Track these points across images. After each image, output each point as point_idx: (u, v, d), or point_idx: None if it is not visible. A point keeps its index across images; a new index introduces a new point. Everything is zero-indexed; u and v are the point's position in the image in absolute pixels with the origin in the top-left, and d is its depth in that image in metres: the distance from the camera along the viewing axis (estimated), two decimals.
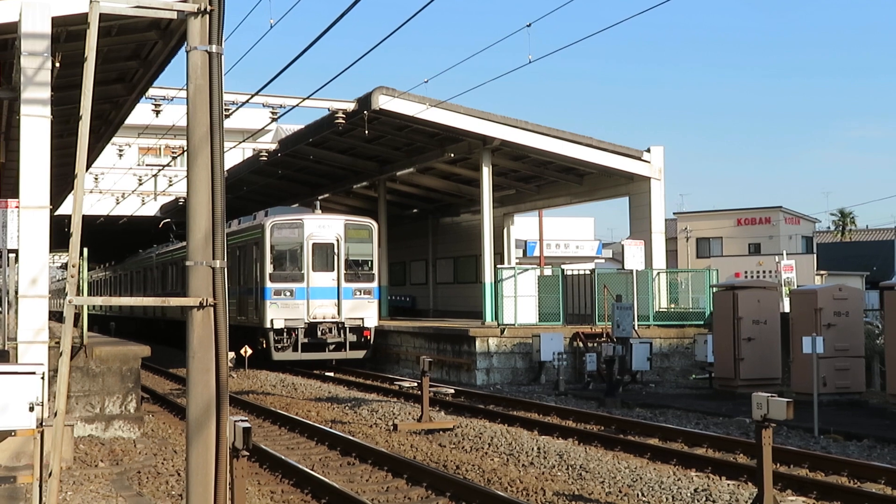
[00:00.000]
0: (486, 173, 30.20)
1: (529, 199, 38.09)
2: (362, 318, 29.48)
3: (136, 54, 19.69)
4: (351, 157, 36.02)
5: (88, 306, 24.63)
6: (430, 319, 37.61)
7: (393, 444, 15.64)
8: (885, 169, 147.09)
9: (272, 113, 26.88)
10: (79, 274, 6.78)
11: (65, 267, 70.07)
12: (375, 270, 30.56)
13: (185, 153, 6.97)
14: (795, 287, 27.92)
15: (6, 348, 14.37)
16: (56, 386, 6.75)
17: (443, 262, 43.92)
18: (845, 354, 19.60)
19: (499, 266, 29.93)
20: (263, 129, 36.96)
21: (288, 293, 28.95)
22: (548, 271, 31.34)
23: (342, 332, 29.20)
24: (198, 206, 6.77)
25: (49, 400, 10.22)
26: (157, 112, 25.25)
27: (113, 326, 38.92)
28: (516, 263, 38.35)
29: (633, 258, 27.60)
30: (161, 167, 41.90)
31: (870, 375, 21.92)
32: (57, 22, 14.53)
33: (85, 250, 16.76)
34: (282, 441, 16.47)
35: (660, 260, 29.84)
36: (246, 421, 7.80)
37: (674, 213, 57.85)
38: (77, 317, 17.11)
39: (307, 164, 37.35)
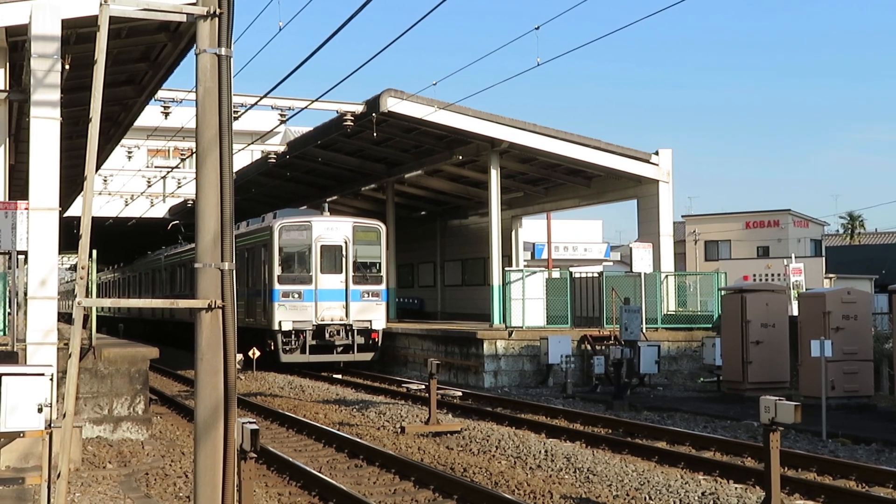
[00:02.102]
0: (495, 176, 30.19)
1: (537, 202, 38.07)
2: (370, 321, 29.49)
3: (145, 56, 19.73)
4: (359, 159, 36.05)
5: (97, 308, 24.68)
6: (438, 322, 37.62)
7: (400, 447, 15.64)
8: (895, 172, 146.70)
9: (281, 115, 26.93)
10: (88, 275, 6.79)
11: (74, 268, 70.24)
12: (383, 273, 30.55)
13: (194, 155, 6.98)
14: (804, 290, 27.86)
15: (15, 350, 14.41)
16: (65, 387, 6.77)
17: (451, 265, 43.91)
18: (854, 358, 19.54)
19: (507, 268, 29.90)
20: (272, 131, 36.96)
21: (296, 295, 28.96)
22: (556, 274, 31.32)
23: (350, 334, 29.20)
24: (207, 208, 6.78)
25: (58, 401, 10.25)
26: (167, 114, 25.31)
27: (121, 328, 39.02)
28: (524, 266, 38.31)
29: (642, 261, 27.57)
30: (170, 169, 41.98)
31: (878, 379, 21.86)
32: (67, 24, 14.57)
33: (94, 252, 16.81)
34: (289, 443, 16.49)
35: (668, 263, 29.82)
36: (254, 423, 7.82)
37: (682, 216, 57.82)
38: (86, 318, 17.14)
39: (315, 166, 37.39)
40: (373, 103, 27.71)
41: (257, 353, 28.27)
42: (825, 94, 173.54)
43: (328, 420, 18.95)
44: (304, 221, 29.87)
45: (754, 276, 40.13)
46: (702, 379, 24.80)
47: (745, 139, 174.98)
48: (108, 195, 45.22)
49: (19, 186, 22.35)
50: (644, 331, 25.06)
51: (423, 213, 44.39)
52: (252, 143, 36.12)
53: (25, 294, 15.01)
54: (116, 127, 25.75)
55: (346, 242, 29.57)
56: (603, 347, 24.89)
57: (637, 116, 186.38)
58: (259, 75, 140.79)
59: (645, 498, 11.61)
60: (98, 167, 33.72)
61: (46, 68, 13.94)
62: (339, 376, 28.54)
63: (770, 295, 22.12)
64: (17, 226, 14.98)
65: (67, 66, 15.65)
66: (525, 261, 43.03)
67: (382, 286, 30.23)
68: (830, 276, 45.51)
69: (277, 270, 29.08)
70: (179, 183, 43.55)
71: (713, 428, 17.52)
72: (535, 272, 28.97)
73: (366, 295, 29.60)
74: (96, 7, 6.85)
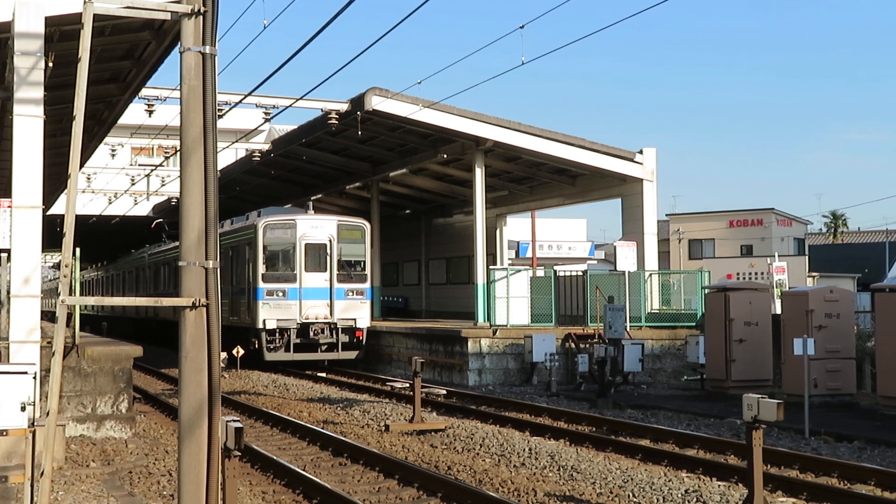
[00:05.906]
0: (479, 174, 30.22)
1: (522, 201, 38.13)
2: (355, 319, 29.48)
3: (129, 54, 19.68)
4: (344, 157, 36.02)
5: (81, 306, 24.62)
6: (422, 320, 37.62)
7: (385, 445, 15.66)
8: (878, 171, 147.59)
9: (265, 113, 26.92)
10: (71, 274, 6.79)
11: (57, 267, 69.93)
12: (368, 271, 30.55)
13: (178, 153, 6.98)
14: (787, 289, 27.98)
15: None
16: (48, 386, 6.75)
17: (435, 263, 43.94)
18: (836, 356, 19.65)
19: (491, 267, 29.94)
20: (256, 129, 37.00)
21: (280, 293, 28.93)
22: (540, 272, 31.36)
23: (334, 332, 29.18)
24: (191, 207, 6.78)
25: (41, 400, 10.21)
26: (151, 112, 25.27)
27: (105, 326, 38.91)
28: (509, 264, 38.37)
29: (626, 259, 27.64)
30: (154, 167, 41.90)
31: (861, 377, 21.98)
32: (50, 21, 14.52)
33: (77, 250, 16.77)
34: (274, 441, 16.48)
35: (652, 261, 29.89)
36: (238, 421, 7.81)
37: (666, 215, 57.97)
38: (69, 316, 17.08)
39: (300, 164, 37.34)
40: (357, 102, 27.69)
41: (241, 352, 28.24)
42: (810, 94, 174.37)
43: (312, 418, 18.95)
44: (289, 220, 29.85)
45: (738, 274, 40.28)
46: (685, 377, 24.89)
47: (730, 138, 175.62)
48: (92, 193, 45.12)
49: (2, 184, 22.29)
50: (628, 329, 25.14)
51: (407, 211, 44.40)
52: (236, 141, 36.08)
53: (8, 292, 14.96)
54: (100, 125, 25.67)
55: (330, 241, 29.56)
56: (587, 346, 24.96)
57: (622, 115, 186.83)
58: (243, 73, 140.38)
59: (628, 496, 11.65)
60: (82, 165, 33.58)
61: (30, 66, 13.90)
62: (324, 375, 28.51)
63: (753, 293, 22.21)
64: None
65: (51, 64, 15.60)
66: (509, 259, 43.11)
67: (367, 284, 30.22)
68: (813, 274, 45.72)
69: (262, 269, 29.04)
70: (163, 181, 43.48)
71: (696, 426, 17.59)
72: (519, 270, 28.99)
73: (350, 293, 29.59)
74: (80, 4, 6.85)
